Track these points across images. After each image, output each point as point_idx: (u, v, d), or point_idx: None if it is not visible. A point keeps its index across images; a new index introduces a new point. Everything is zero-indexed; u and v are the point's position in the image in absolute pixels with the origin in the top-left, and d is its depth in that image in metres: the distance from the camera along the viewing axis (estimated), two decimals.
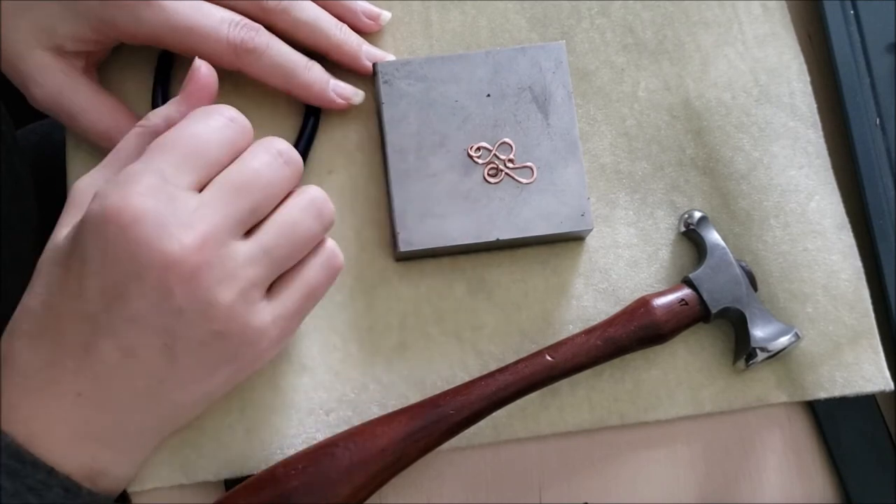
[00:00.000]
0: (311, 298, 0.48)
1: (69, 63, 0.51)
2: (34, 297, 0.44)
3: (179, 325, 0.42)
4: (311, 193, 0.47)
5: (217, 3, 0.52)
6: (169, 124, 0.47)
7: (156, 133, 0.46)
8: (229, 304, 0.43)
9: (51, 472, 0.43)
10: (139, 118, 0.49)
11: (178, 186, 0.43)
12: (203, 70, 0.48)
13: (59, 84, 0.51)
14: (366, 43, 0.56)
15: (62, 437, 0.43)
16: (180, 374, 0.44)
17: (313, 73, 0.54)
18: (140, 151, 0.46)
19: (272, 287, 0.46)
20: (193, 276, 0.42)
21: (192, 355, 0.44)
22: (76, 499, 0.43)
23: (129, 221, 0.41)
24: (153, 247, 0.41)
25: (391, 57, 0.56)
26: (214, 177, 0.45)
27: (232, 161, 0.45)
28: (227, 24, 0.51)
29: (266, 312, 0.45)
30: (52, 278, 0.44)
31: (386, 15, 0.57)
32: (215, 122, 0.45)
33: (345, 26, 0.55)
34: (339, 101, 0.55)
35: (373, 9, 0.57)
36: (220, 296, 0.43)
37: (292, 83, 0.53)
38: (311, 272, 0.47)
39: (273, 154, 0.46)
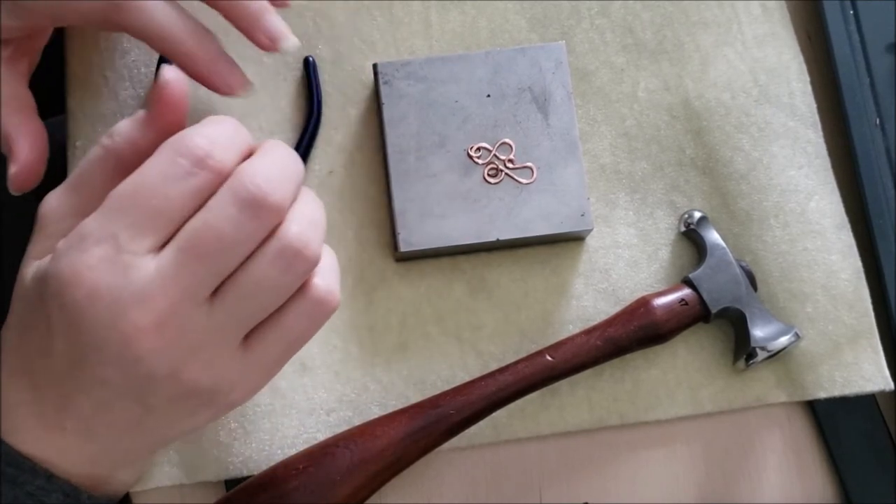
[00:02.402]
0: (293, 347, 0.43)
1: None
2: (10, 331, 0.43)
3: (149, 386, 0.40)
4: (282, 242, 0.40)
5: None
6: (134, 151, 0.41)
7: (119, 156, 0.42)
8: (198, 371, 0.40)
9: (50, 477, 0.42)
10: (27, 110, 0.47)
11: (135, 253, 0.38)
12: (171, 87, 0.41)
13: None
14: (272, 12, 0.49)
15: (55, 459, 0.43)
16: (159, 419, 0.43)
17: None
18: (103, 174, 0.42)
19: (250, 334, 0.42)
20: (155, 352, 0.39)
21: (167, 406, 0.42)
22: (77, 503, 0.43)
23: (83, 298, 0.38)
24: (109, 327, 0.38)
25: (293, 39, 0.49)
26: (176, 231, 0.39)
27: (198, 209, 0.39)
28: None
29: (239, 368, 0.42)
30: (23, 321, 0.42)
31: (291, 41, 0.49)
32: (182, 169, 0.39)
33: None
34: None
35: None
36: (187, 367, 0.40)
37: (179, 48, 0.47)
38: (292, 321, 0.42)
39: (240, 206, 0.39)
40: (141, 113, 0.42)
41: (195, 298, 0.39)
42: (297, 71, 0.57)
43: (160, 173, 0.39)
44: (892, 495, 0.53)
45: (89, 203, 0.41)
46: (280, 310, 0.42)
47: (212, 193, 0.39)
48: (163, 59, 0.56)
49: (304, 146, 0.55)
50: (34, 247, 0.43)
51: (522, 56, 0.55)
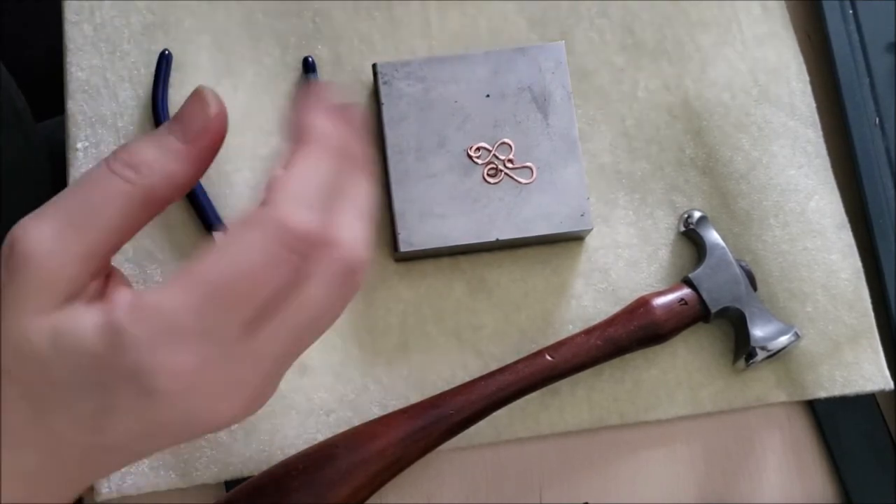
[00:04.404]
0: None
1: None
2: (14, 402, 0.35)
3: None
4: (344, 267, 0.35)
5: None
6: (172, 183, 0.36)
7: (152, 193, 0.36)
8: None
9: None
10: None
11: (232, 342, 0.34)
12: (218, 119, 0.37)
13: None
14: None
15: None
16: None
17: None
18: (123, 211, 0.35)
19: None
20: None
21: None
22: None
23: (177, 392, 0.34)
24: (199, 416, 0.35)
25: None
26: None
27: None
28: None
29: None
30: (35, 387, 0.35)
31: None
32: (290, 264, 0.34)
33: None
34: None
35: None
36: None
37: None
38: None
39: (339, 282, 0.35)
40: (175, 144, 0.36)
41: (281, 374, 0.37)
42: (296, 71, 0.57)
43: (264, 261, 0.34)
44: (892, 495, 0.53)
45: (100, 245, 0.35)
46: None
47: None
48: (163, 58, 0.56)
49: None
50: (30, 301, 0.34)
51: (522, 56, 0.55)
